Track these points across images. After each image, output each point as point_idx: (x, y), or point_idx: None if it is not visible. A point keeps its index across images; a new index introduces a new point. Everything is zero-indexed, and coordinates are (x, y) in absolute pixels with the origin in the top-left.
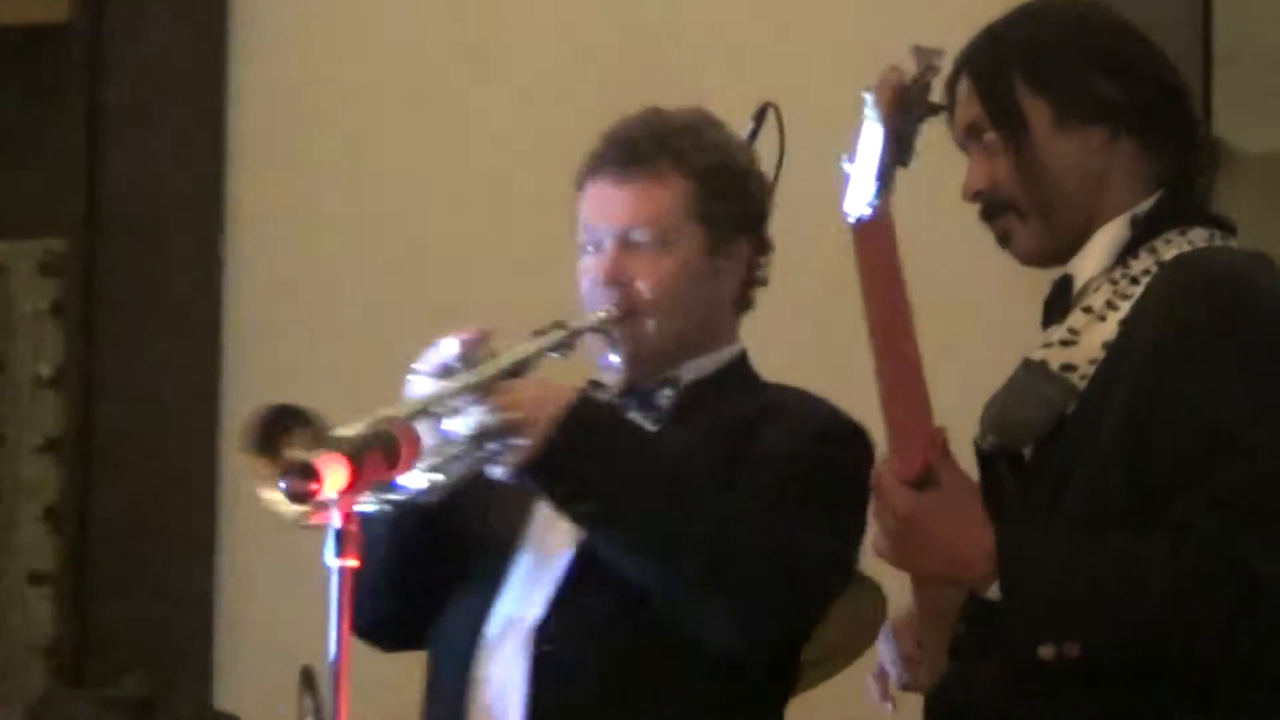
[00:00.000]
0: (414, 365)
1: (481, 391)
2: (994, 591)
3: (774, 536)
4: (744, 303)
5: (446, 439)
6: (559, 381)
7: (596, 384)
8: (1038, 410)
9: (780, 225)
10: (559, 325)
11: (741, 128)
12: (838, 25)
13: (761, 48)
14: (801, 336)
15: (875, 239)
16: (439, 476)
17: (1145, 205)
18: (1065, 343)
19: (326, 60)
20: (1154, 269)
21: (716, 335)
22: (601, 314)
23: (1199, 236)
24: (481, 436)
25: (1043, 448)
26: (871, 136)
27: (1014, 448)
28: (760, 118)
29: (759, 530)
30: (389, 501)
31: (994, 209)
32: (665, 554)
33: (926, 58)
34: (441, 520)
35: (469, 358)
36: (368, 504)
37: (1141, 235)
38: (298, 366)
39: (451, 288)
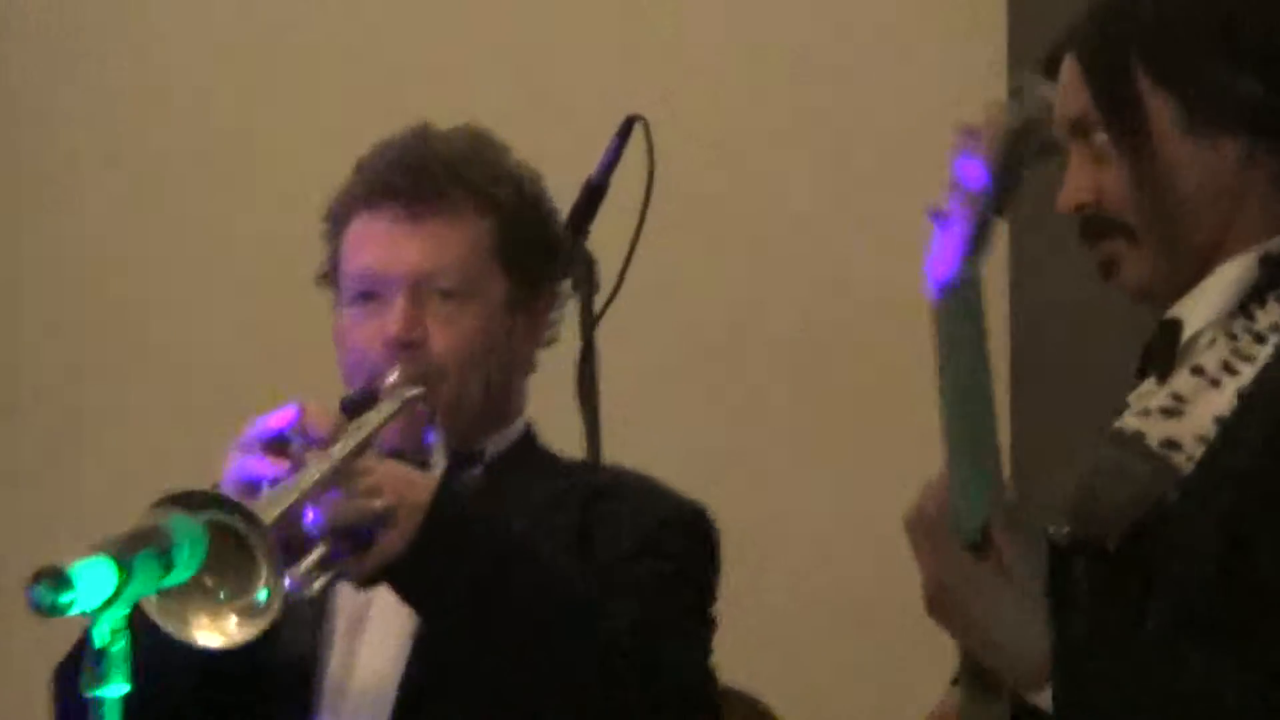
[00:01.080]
0: (239, 439)
1: (335, 473)
2: (1041, 701)
3: (659, 653)
4: (533, 365)
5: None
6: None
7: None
8: (1130, 495)
9: (648, 256)
10: (369, 395)
11: (597, 144)
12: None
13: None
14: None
15: (962, 307)
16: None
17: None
18: (1168, 412)
19: None
20: None
21: (515, 404)
22: (415, 388)
23: None
24: (334, 532)
25: (1133, 542)
26: (969, 185)
27: (1098, 540)
28: (626, 133)
29: (640, 647)
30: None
31: (1099, 229)
32: (546, 669)
33: (1040, 93)
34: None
35: (307, 433)
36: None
37: (1273, 279)
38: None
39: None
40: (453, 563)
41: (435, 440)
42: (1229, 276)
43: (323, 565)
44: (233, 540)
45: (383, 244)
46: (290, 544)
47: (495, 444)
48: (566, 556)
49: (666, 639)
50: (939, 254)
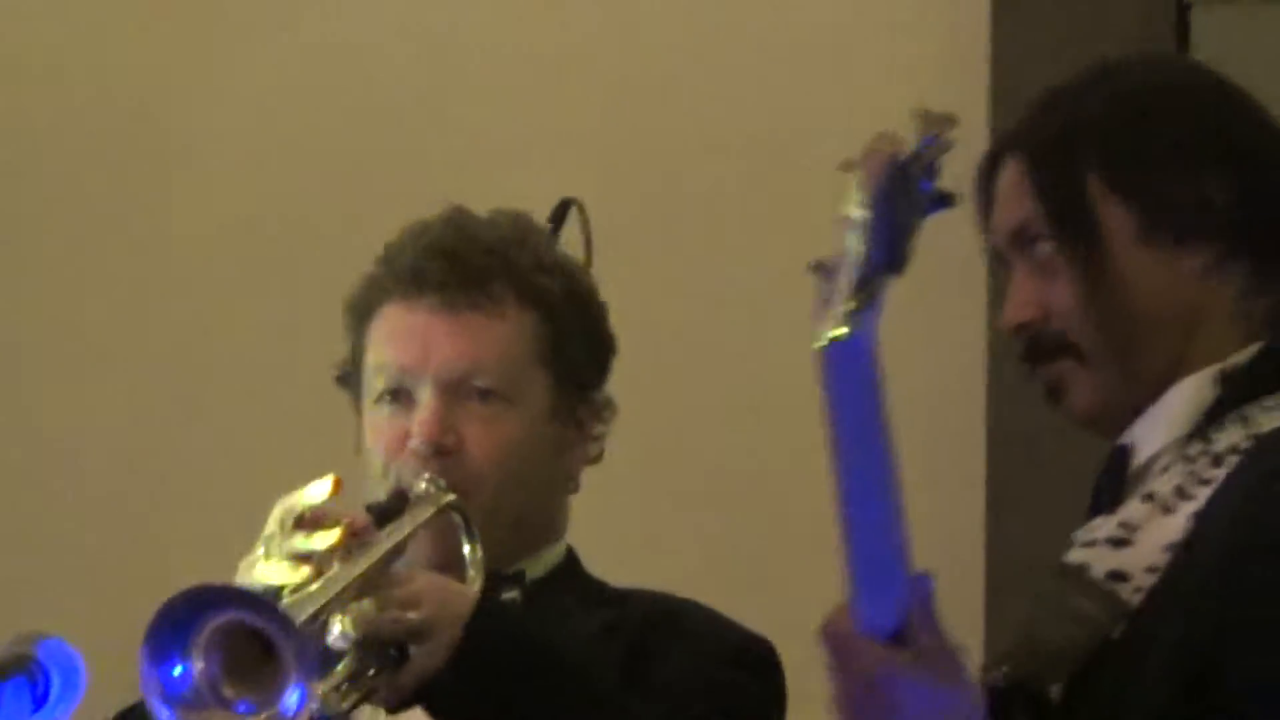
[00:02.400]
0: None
1: (366, 582)
2: None
3: None
4: (576, 484)
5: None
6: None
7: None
8: (1074, 633)
9: None
10: (399, 500)
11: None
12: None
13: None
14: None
15: (851, 368)
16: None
17: (1240, 357)
18: (1116, 542)
19: None
20: (1245, 445)
21: (557, 524)
22: (449, 494)
23: None
24: (364, 645)
25: (1078, 684)
26: (854, 233)
27: (1040, 684)
28: (560, 218)
29: None
30: None
31: (1044, 349)
32: None
33: (936, 125)
34: None
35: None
36: None
37: (1231, 398)
38: None
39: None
40: (495, 683)
41: (471, 554)
42: (1182, 396)
43: (351, 681)
44: (258, 646)
45: (415, 338)
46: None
47: (534, 567)
48: (620, 683)
49: None
50: (824, 308)
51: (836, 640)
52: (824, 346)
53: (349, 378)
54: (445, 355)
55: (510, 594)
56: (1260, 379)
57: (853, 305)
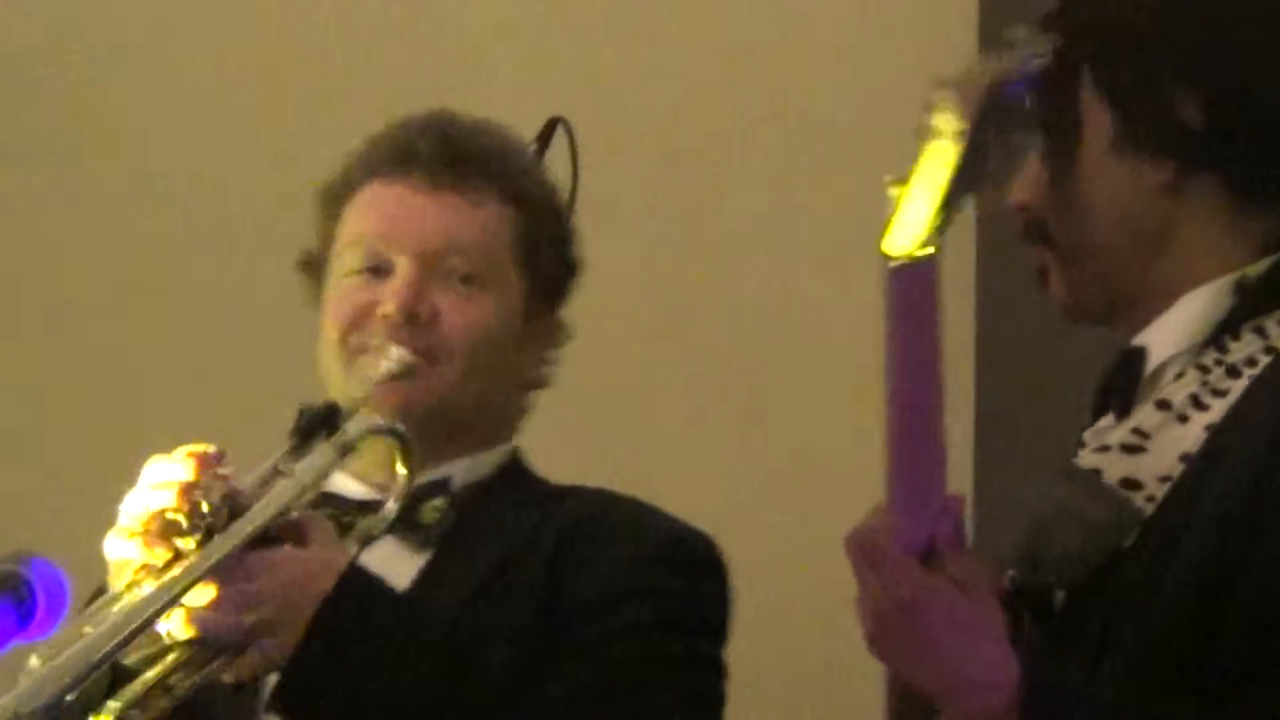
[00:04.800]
0: (122, 512)
1: (214, 573)
2: None
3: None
4: (531, 388)
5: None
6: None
7: (328, 494)
8: (1084, 540)
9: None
10: (330, 412)
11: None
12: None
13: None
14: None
15: (920, 284)
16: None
17: (1256, 268)
18: (1130, 448)
19: None
20: (1262, 358)
21: (505, 426)
22: (398, 360)
23: None
24: (206, 645)
25: (1084, 592)
26: (939, 154)
27: (1046, 589)
28: (547, 136)
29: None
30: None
31: (1030, 235)
32: None
33: (1029, 46)
34: None
35: (194, 509)
36: None
37: (1247, 309)
38: None
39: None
40: (322, 689)
41: (402, 483)
42: (1198, 304)
43: (185, 669)
44: None
45: (399, 209)
46: None
47: (462, 472)
48: (485, 646)
49: (634, 702)
50: (898, 223)
51: (870, 554)
52: (903, 262)
53: (313, 263)
54: (427, 228)
55: (435, 502)
56: (1277, 291)
57: (938, 223)
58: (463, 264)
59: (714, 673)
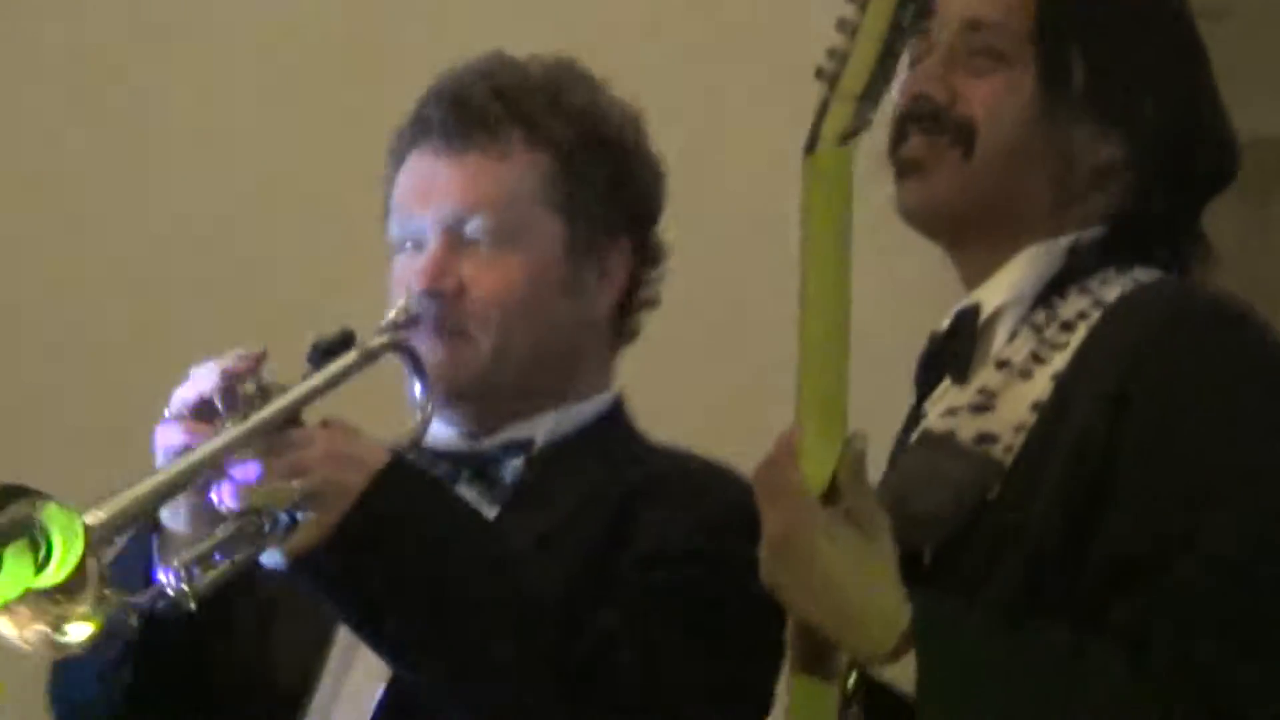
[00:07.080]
0: (167, 409)
1: (256, 446)
2: (892, 675)
3: (660, 694)
4: (624, 331)
5: (200, 518)
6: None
7: (417, 445)
8: (946, 498)
9: None
10: (345, 339)
11: None
12: None
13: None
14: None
15: (835, 173)
16: (186, 583)
17: (1090, 234)
18: (978, 408)
19: None
20: (1094, 312)
21: (582, 377)
22: (382, 336)
23: (1146, 275)
24: (253, 514)
25: (951, 547)
26: (864, 44)
27: (912, 548)
28: None
29: (638, 685)
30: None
31: (931, 122)
32: (498, 689)
33: None
34: (199, 647)
35: (234, 394)
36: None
37: (1074, 271)
38: None
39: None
40: (372, 564)
41: (422, 396)
42: (1033, 261)
43: (224, 549)
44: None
45: (418, 183)
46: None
47: (546, 430)
48: (536, 557)
49: (665, 660)
50: (825, 114)
51: (769, 487)
52: (822, 156)
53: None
54: (443, 196)
55: (515, 462)
56: (1104, 256)
57: (853, 113)
58: (488, 224)
59: (766, 627)
